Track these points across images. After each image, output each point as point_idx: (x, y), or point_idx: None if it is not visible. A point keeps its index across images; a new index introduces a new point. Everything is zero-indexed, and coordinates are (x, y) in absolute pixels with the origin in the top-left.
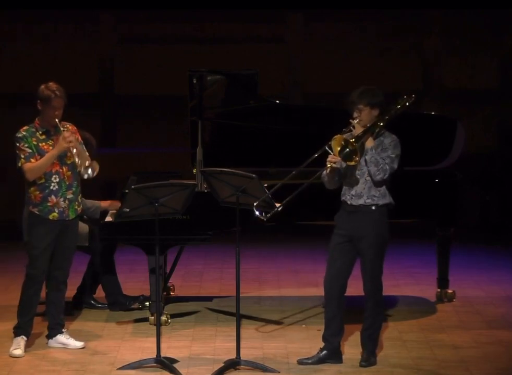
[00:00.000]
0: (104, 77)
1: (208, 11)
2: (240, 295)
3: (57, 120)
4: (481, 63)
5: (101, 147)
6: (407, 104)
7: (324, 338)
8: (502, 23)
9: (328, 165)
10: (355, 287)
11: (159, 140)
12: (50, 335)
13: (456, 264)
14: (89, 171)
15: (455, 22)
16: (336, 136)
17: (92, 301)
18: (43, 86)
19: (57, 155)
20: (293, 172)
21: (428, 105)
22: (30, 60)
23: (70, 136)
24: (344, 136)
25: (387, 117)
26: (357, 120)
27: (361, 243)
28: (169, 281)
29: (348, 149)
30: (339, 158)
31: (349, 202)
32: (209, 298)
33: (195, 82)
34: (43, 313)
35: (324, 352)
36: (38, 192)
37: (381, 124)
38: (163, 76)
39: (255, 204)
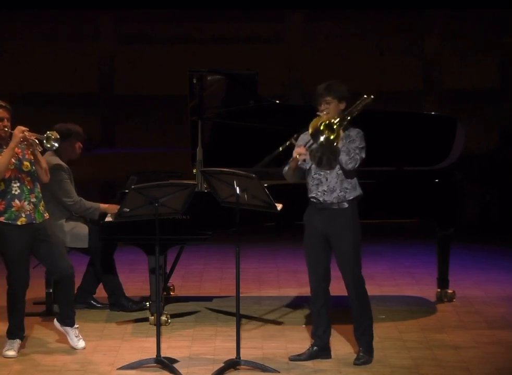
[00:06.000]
0: (103, 77)
1: (208, 11)
2: (240, 295)
3: (6, 129)
4: (481, 63)
5: (101, 147)
6: (366, 104)
7: (314, 335)
8: (502, 23)
9: (296, 156)
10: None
11: (159, 140)
12: (60, 320)
13: (456, 264)
14: (53, 142)
15: (455, 22)
16: (316, 119)
17: (92, 301)
18: None
19: (14, 148)
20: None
21: (428, 105)
22: (30, 60)
23: (22, 127)
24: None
25: (355, 112)
26: (325, 112)
27: (336, 240)
28: (169, 281)
29: (326, 135)
30: (306, 152)
31: (321, 199)
32: (209, 298)
33: (195, 82)
34: (43, 313)
35: (315, 348)
36: (0, 199)
37: (349, 118)
38: (163, 76)
39: (235, 182)
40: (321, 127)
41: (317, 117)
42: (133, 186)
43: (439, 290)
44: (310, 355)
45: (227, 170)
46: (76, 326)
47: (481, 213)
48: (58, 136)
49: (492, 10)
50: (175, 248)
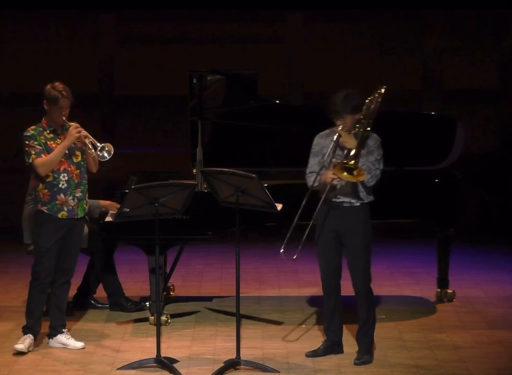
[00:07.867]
0: (103, 77)
1: (208, 11)
2: (240, 295)
3: (64, 118)
4: (481, 63)
5: None
6: (379, 99)
7: (328, 331)
8: (502, 23)
9: (331, 181)
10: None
11: (159, 140)
12: (51, 335)
13: (456, 264)
14: (105, 153)
15: (455, 22)
16: (335, 168)
17: (92, 302)
18: (49, 86)
19: (68, 147)
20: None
21: (428, 105)
22: (30, 60)
23: (79, 126)
24: (339, 163)
25: (371, 121)
26: (342, 126)
27: (347, 237)
28: (169, 281)
29: (349, 171)
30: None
31: (332, 199)
32: (209, 298)
33: (195, 82)
34: (44, 313)
35: (327, 344)
36: (46, 190)
37: (369, 129)
38: (163, 76)
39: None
40: (344, 169)
41: (337, 166)
42: (133, 186)
43: (439, 290)
44: (325, 350)
45: (227, 170)
46: (64, 330)
47: (481, 213)
48: (113, 151)
49: (492, 10)
50: (175, 248)
